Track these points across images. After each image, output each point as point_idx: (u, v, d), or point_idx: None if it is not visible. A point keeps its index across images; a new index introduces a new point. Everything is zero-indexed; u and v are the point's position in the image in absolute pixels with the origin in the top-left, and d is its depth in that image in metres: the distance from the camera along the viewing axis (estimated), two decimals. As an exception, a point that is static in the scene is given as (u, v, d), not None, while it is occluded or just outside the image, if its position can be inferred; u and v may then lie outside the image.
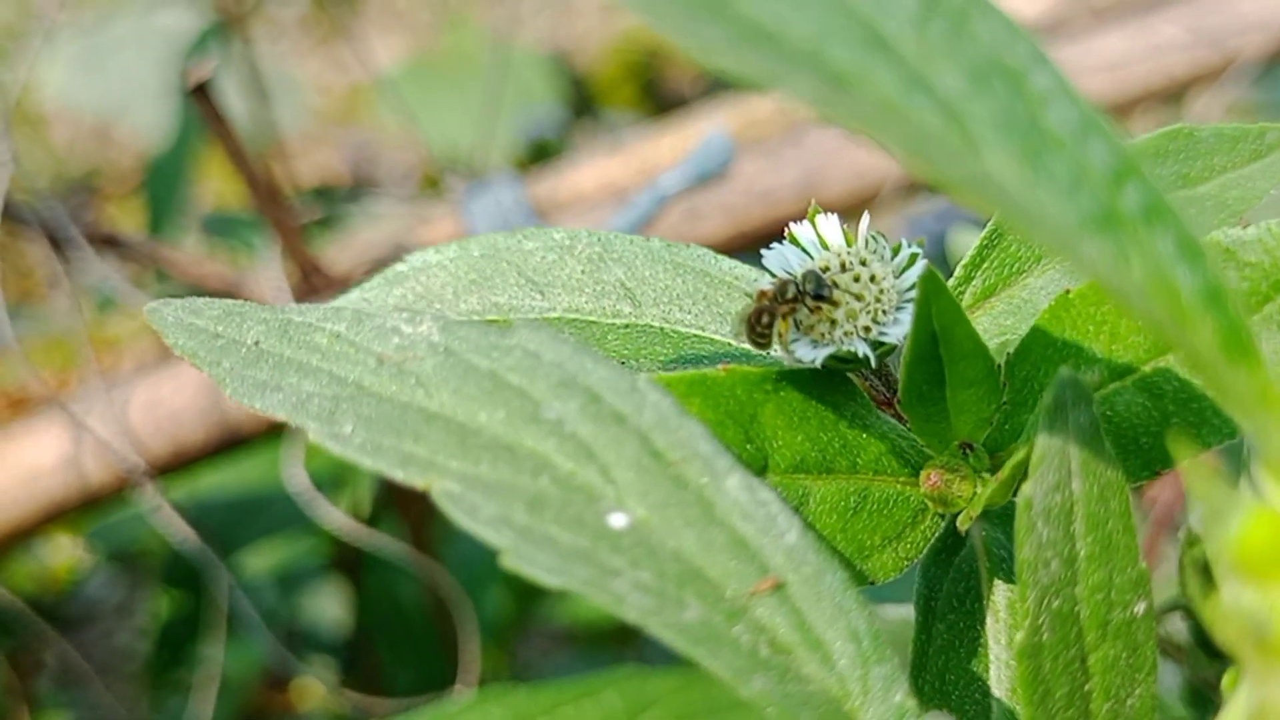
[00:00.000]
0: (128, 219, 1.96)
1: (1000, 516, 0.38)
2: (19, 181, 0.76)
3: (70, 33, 2.62)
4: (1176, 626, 0.49)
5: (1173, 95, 0.87)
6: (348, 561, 1.19)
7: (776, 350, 0.38)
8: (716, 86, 2.11)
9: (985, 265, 0.40)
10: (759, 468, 0.35)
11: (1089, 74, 0.85)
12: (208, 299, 0.35)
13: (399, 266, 0.42)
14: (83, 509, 0.82)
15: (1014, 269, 0.40)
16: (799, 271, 0.37)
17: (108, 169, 2.56)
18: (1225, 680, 0.30)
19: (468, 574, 1.25)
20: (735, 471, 0.30)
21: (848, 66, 0.25)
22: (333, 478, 1.09)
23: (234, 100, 1.30)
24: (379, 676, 1.17)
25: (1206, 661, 0.47)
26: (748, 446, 0.35)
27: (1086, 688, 0.31)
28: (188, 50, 1.30)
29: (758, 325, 0.37)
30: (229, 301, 0.35)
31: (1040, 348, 0.37)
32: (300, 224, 0.79)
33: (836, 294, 0.36)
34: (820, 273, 0.37)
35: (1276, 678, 0.23)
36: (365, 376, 0.32)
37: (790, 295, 0.36)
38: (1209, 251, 0.25)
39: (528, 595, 1.33)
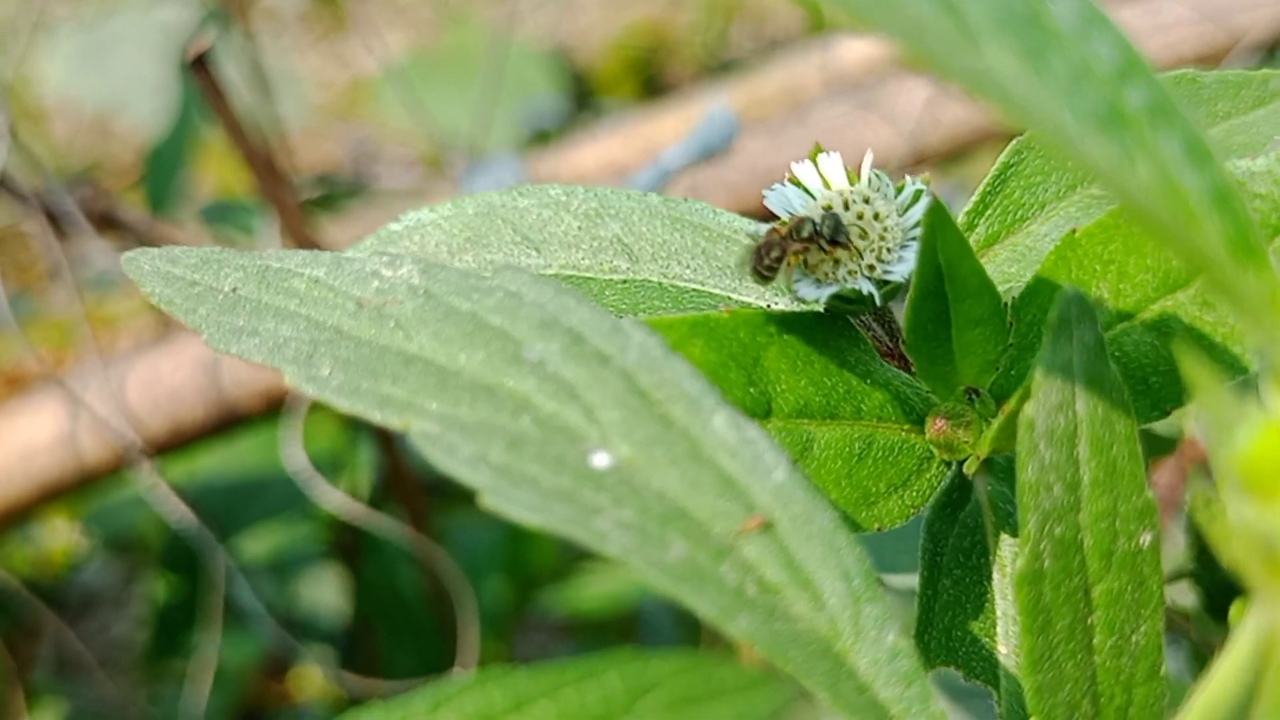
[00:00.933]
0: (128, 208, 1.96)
1: (1005, 470, 0.37)
2: (18, 163, 0.76)
3: (71, 27, 2.62)
4: (1183, 599, 0.49)
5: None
6: (346, 547, 1.19)
7: (777, 290, 0.37)
8: (717, 80, 2.10)
9: (988, 212, 0.39)
10: (763, 411, 0.35)
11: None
12: (186, 247, 0.35)
13: (392, 225, 0.42)
14: (79, 488, 0.81)
15: (1018, 216, 0.39)
16: (817, 211, 0.36)
17: (108, 163, 2.56)
18: (1233, 610, 0.30)
19: (467, 564, 1.24)
20: (722, 409, 0.30)
21: None
22: (331, 461, 1.08)
23: (236, 95, 1.30)
24: (378, 664, 1.17)
25: (1214, 628, 0.47)
26: (751, 390, 0.35)
27: (1089, 620, 0.30)
28: (186, 40, 1.30)
29: (765, 258, 0.36)
30: (208, 249, 0.35)
31: (1046, 289, 0.36)
32: (300, 202, 0.79)
33: (844, 236, 0.36)
34: (840, 215, 0.36)
35: None
36: (344, 320, 0.32)
37: (805, 234, 0.35)
38: (1216, 152, 0.24)
39: (527, 585, 1.32)
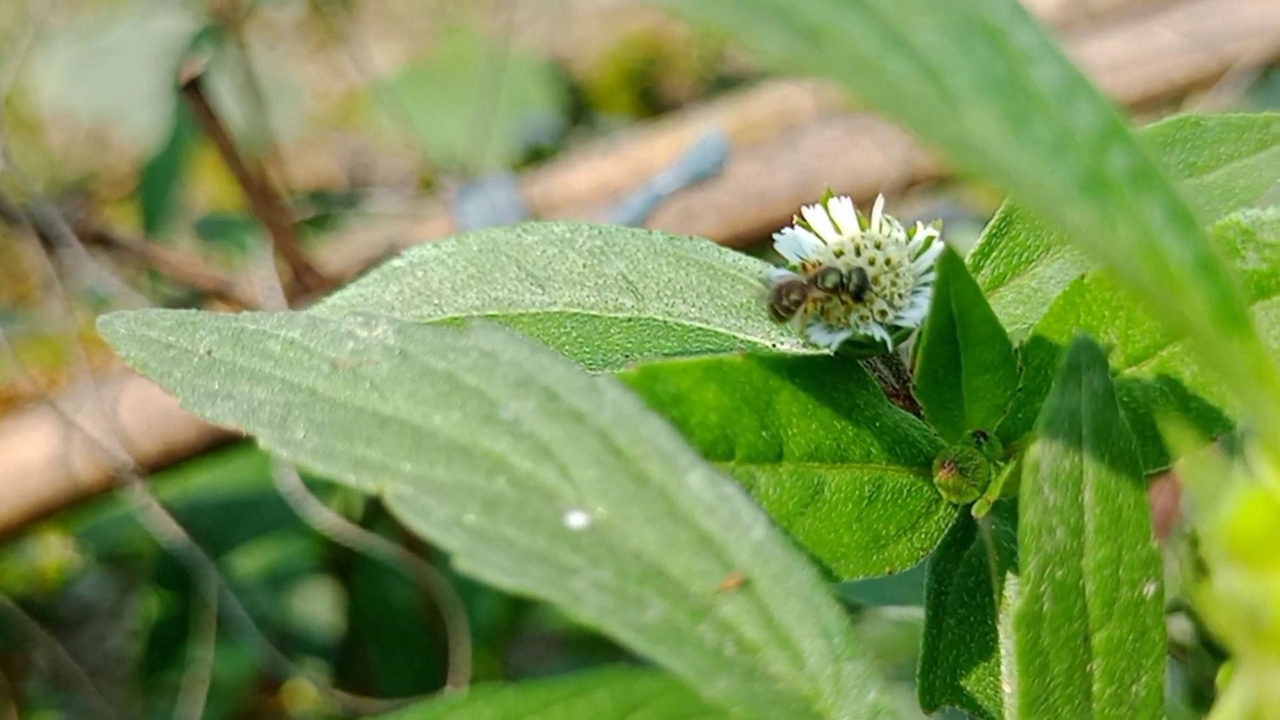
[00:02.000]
0: (123, 223, 1.96)
1: (1009, 511, 0.37)
2: (11, 180, 0.76)
3: (67, 37, 2.61)
4: (1180, 630, 0.48)
5: (1172, 99, 0.87)
6: (339, 564, 1.19)
7: (788, 334, 0.37)
8: (713, 92, 2.10)
9: (994, 254, 0.39)
10: (775, 455, 0.35)
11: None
12: (161, 310, 0.35)
13: (395, 262, 0.41)
14: (72, 507, 0.81)
15: (1023, 258, 0.39)
16: (840, 262, 0.36)
17: (103, 173, 2.56)
18: (1220, 675, 0.30)
19: (460, 579, 1.24)
20: (698, 467, 0.30)
21: (819, 20, 0.24)
22: (325, 479, 1.08)
23: (230, 105, 1.30)
24: (371, 680, 1.17)
25: (1211, 662, 0.47)
26: (763, 434, 0.35)
27: (1089, 668, 0.30)
28: (182, 51, 1.30)
29: (784, 299, 0.36)
30: (182, 312, 0.35)
31: (1055, 334, 0.36)
32: (293, 223, 0.79)
33: (868, 293, 0.36)
34: (865, 269, 0.36)
35: (1273, 668, 0.22)
36: (319, 382, 0.32)
37: (830, 285, 0.35)
38: (1200, 218, 0.24)
39: (520, 601, 1.32)
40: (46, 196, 0.78)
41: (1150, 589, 0.30)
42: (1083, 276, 0.35)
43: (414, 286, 0.41)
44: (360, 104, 2.73)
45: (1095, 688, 0.30)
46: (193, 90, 0.70)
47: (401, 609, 1.18)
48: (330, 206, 1.02)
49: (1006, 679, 0.36)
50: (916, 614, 0.42)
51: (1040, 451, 0.30)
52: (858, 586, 0.51)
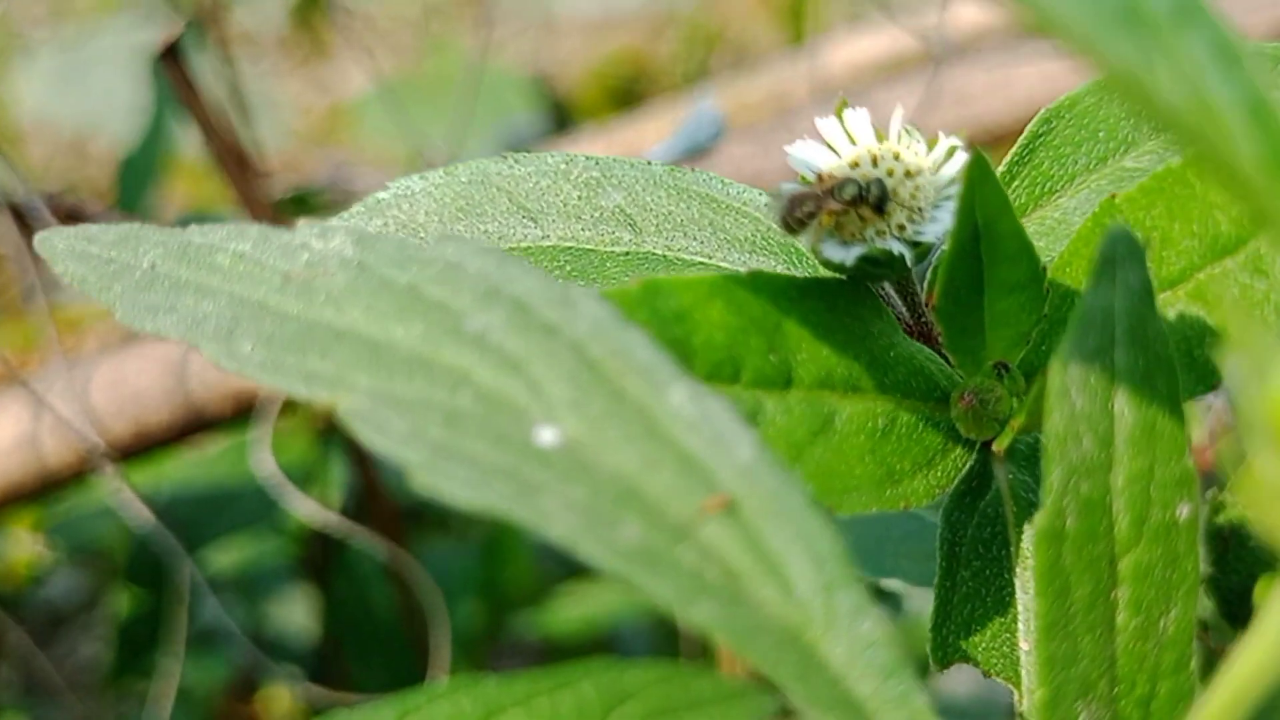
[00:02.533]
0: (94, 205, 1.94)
1: (1027, 458, 0.35)
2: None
3: (49, 48, 2.61)
4: (1201, 607, 0.47)
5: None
6: (315, 564, 1.17)
7: (798, 264, 0.36)
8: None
9: (1015, 184, 0.38)
10: (784, 381, 0.33)
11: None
12: (104, 225, 0.34)
13: (380, 194, 0.40)
14: (41, 491, 0.79)
15: (1046, 188, 0.38)
16: (861, 176, 0.34)
17: (84, 185, 2.55)
18: (1258, 588, 0.27)
19: (441, 588, 1.22)
20: (680, 382, 0.28)
21: None
22: (303, 476, 1.06)
23: (207, 91, 1.29)
24: (347, 684, 1.15)
25: (1233, 636, 0.45)
26: (771, 357, 0.33)
27: (1113, 595, 0.28)
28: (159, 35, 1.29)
29: (797, 210, 0.34)
30: (126, 226, 0.33)
31: (1083, 259, 0.34)
32: (272, 200, 0.77)
33: (889, 205, 0.34)
34: (885, 181, 0.34)
35: None
36: (269, 295, 0.30)
37: (848, 196, 0.33)
38: (1248, 59, 0.22)
39: (501, 609, 1.31)
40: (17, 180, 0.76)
41: (1185, 511, 0.28)
42: (1113, 197, 0.34)
43: (399, 220, 0.39)
44: (343, 119, 2.73)
45: (1120, 618, 0.28)
46: (170, 58, 0.68)
47: (379, 612, 1.16)
48: (311, 192, 1.01)
49: (1023, 636, 0.34)
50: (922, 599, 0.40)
51: (1069, 351, 0.28)
52: (861, 560, 0.49)
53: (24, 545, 1.22)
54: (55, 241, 0.33)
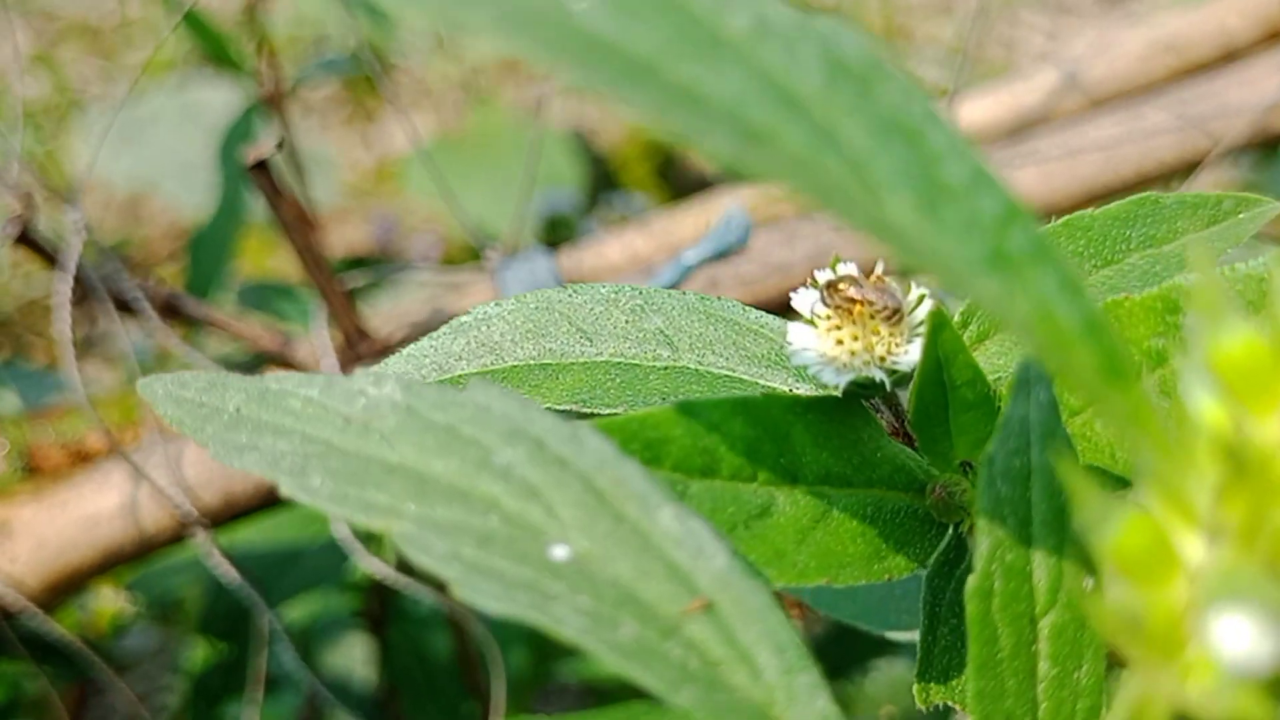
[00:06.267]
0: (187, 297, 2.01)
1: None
2: (90, 250, 0.82)
3: (103, 106, 2.67)
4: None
5: (1163, 178, 0.92)
6: (374, 618, 1.23)
7: (802, 381, 0.43)
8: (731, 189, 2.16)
9: (980, 313, 0.45)
10: (790, 479, 0.40)
11: (1084, 154, 0.90)
12: (194, 373, 0.39)
13: (463, 318, 0.47)
14: (138, 554, 0.86)
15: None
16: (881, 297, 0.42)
17: (137, 242, 2.61)
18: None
19: (497, 626, 1.27)
20: (668, 505, 0.33)
21: (763, 125, 0.28)
22: (366, 533, 1.13)
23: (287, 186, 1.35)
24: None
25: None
26: (781, 460, 0.40)
27: (1034, 648, 0.34)
28: (231, 127, 1.35)
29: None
30: (213, 374, 0.38)
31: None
32: (345, 291, 0.85)
33: (900, 320, 0.41)
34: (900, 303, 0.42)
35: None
36: (334, 434, 0.35)
37: (881, 307, 0.41)
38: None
39: (546, 653, 1.36)
40: (95, 263, 0.84)
41: (1090, 583, 0.34)
42: None
43: (478, 339, 0.46)
44: (391, 174, 2.79)
45: (1041, 668, 0.34)
46: (260, 170, 0.76)
47: (435, 661, 1.22)
48: (374, 274, 1.08)
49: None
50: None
51: (994, 450, 0.34)
52: (866, 614, 0.56)
53: (107, 599, 1.30)
54: (155, 387, 0.38)
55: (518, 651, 1.34)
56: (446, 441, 0.34)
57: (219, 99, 2.47)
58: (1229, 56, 1.01)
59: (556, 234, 1.68)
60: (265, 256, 2.41)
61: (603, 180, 2.50)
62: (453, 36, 2.65)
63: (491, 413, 0.35)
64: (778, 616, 0.32)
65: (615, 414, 0.39)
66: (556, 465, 0.34)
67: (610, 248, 0.97)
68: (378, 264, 1.44)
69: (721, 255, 0.77)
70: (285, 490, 0.34)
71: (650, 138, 2.79)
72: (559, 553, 0.32)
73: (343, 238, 2.60)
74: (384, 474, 0.34)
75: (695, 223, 0.94)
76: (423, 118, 2.90)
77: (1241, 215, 0.45)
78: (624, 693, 1.35)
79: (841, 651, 1.15)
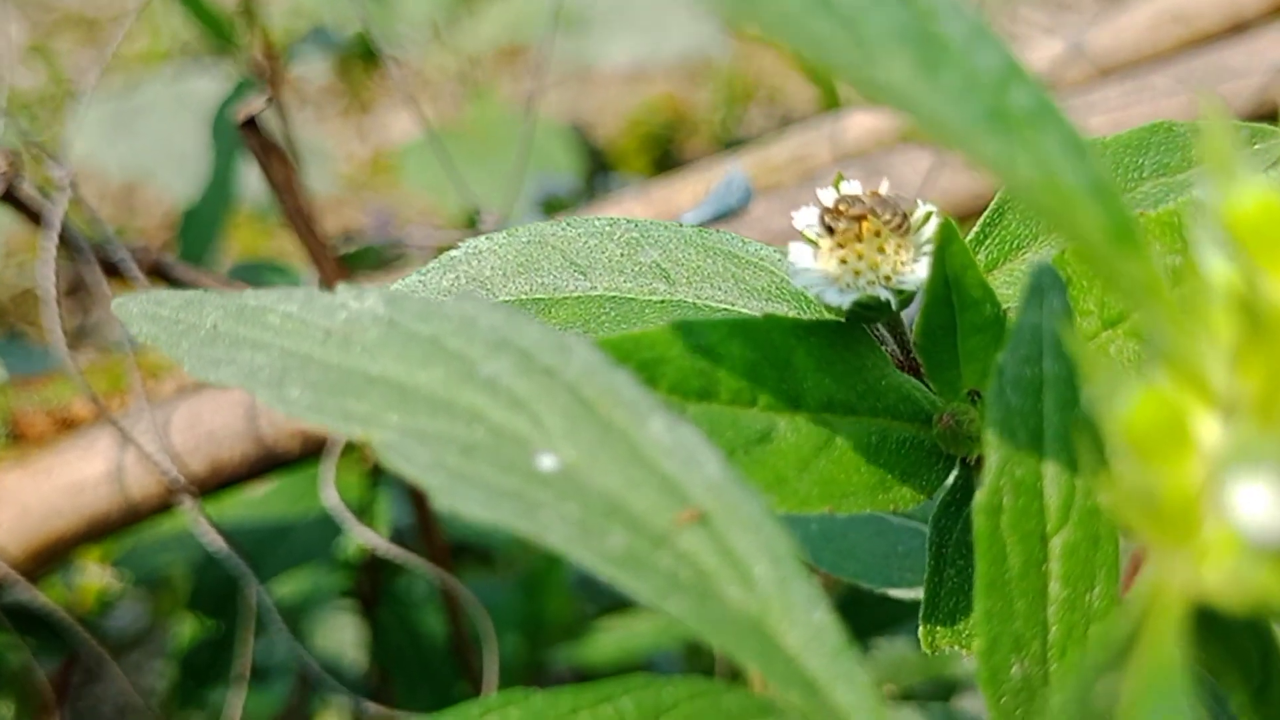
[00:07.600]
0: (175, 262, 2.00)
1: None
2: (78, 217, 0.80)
3: (99, 96, 2.67)
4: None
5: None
6: (364, 596, 1.22)
7: (800, 308, 0.42)
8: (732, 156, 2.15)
9: (987, 241, 0.43)
10: (792, 405, 0.38)
11: (1092, 118, 0.89)
12: (171, 291, 0.38)
13: (453, 253, 0.46)
14: (125, 523, 0.85)
15: (1014, 245, 0.43)
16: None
17: (132, 231, 2.61)
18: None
19: (493, 601, 1.26)
20: (658, 413, 0.32)
21: None
22: (357, 509, 1.12)
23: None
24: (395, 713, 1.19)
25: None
26: (782, 385, 0.38)
27: (1045, 567, 0.32)
28: (223, 101, 1.34)
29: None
30: (190, 291, 0.37)
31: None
32: (338, 259, 0.84)
33: (866, 228, 0.40)
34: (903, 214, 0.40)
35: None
36: (313, 348, 0.34)
37: (887, 218, 0.39)
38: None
39: (541, 643, 1.35)
40: (107, 235, 0.83)
41: (1104, 498, 0.32)
42: (1063, 251, 0.39)
43: (469, 274, 0.45)
44: (387, 166, 2.78)
45: (1052, 589, 0.33)
46: (251, 128, 0.75)
47: (426, 639, 1.20)
48: (368, 246, 1.06)
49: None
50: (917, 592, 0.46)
51: (1005, 359, 0.33)
52: (868, 572, 0.54)
53: (93, 575, 1.28)
54: (130, 306, 0.37)
55: (510, 635, 1.33)
56: (430, 353, 0.33)
57: (214, 89, 2.46)
58: (1238, 27, 0.99)
59: (552, 216, 1.66)
60: (259, 245, 2.40)
61: (600, 172, 2.49)
62: (449, 28, 2.64)
63: (477, 324, 0.34)
64: (772, 526, 0.31)
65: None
66: (544, 375, 0.32)
67: (608, 213, 0.95)
68: (373, 237, 1.43)
69: (722, 217, 0.76)
70: (262, 399, 0.33)
71: (649, 130, 2.78)
72: (546, 462, 0.31)
73: (338, 229, 2.58)
74: (365, 385, 0.33)
75: (694, 191, 0.93)
76: (419, 109, 2.88)
77: (1257, 146, 0.44)
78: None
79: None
